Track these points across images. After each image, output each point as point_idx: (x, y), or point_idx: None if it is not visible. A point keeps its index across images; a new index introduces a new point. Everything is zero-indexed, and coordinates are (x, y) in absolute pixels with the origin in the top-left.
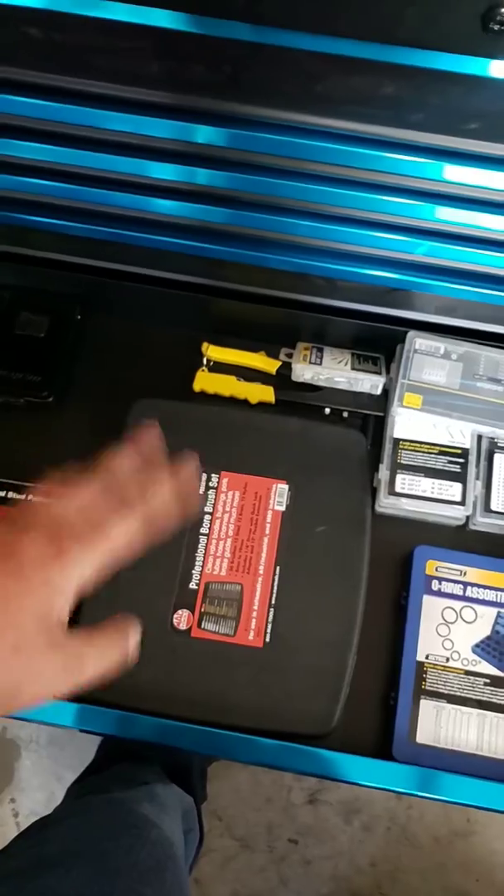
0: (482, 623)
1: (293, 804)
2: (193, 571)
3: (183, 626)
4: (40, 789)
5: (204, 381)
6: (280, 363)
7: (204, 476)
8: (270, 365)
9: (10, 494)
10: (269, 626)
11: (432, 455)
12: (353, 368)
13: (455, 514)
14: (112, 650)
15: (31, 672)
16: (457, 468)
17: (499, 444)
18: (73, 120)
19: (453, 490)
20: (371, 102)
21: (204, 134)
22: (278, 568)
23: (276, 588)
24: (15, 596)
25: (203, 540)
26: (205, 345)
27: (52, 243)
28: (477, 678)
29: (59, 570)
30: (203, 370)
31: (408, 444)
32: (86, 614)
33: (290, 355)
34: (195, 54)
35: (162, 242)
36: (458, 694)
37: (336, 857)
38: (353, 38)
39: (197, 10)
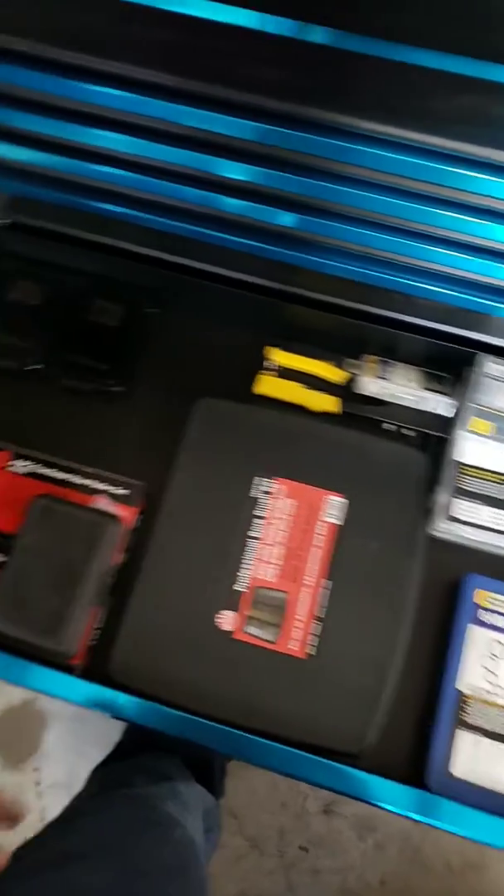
0: None
1: (307, 812)
2: (240, 574)
3: (226, 627)
4: (63, 762)
5: (266, 385)
6: (351, 375)
7: (259, 481)
8: (338, 375)
9: (72, 478)
10: (313, 638)
11: (495, 483)
12: (420, 386)
13: None
14: None
15: None
16: None
17: None
18: (159, 115)
19: None
20: (472, 121)
21: (292, 140)
22: (326, 580)
23: (322, 600)
24: None
25: (254, 544)
26: (269, 348)
27: (131, 234)
28: None
29: None
30: (265, 373)
31: (470, 469)
32: (137, 597)
33: (354, 366)
34: (300, 61)
35: (235, 243)
36: (500, 731)
37: (346, 871)
38: (471, 56)
39: (308, 19)
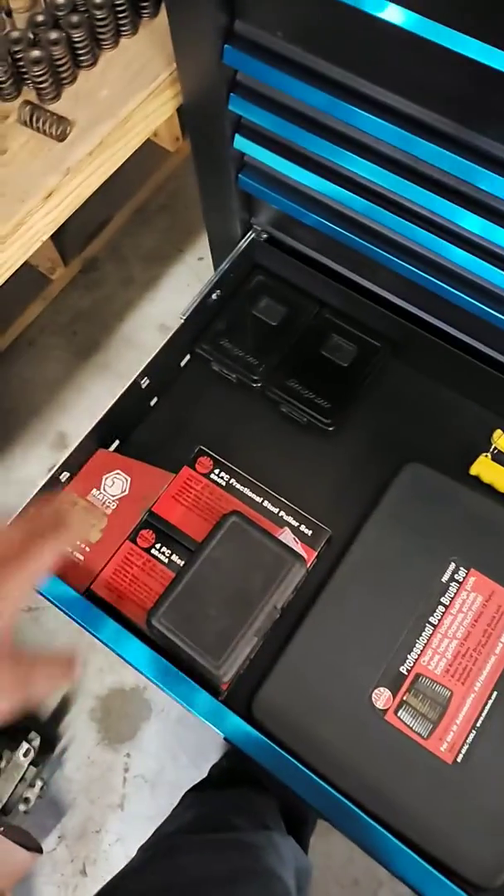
0: None
1: None
2: (409, 655)
3: (379, 705)
4: (154, 758)
5: (483, 468)
6: None
7: (451, 566)
8: None
9: (264, 502)
10: (466, 747)
11: None
12: None
13: None
14: (59, 676)
15: None
16: None
17: None
18: (444, 166)
19: None
20: None
21: None
22: (496, 693)
23: (486, 711)
24: None
25: (429, 629)
26: (498, 432)
27: (382, 278)
28: None
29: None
30: (486, 456)
31: None
32: (297, 642)
33: None
34: None
35: (488, 314)
36: None
37: None
38: None
39: None
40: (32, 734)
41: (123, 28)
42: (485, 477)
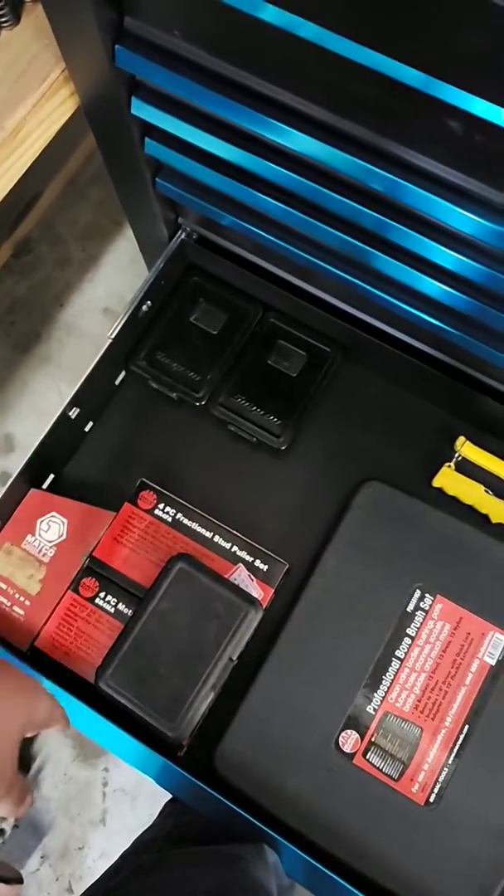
0: None
1: None
2: (375, 694)
3: (347, 749)
4: (133, 770)
5: (446, 479)
6: None
7: (417, 593)
8: None
9: (215, 538)
10: (437, 787)
11: None
12: None
13: None
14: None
15: None
16: None
17: None
18: (367, 180)
19: None
20: None
21: None
22: (467, 727)
23: (457, 748)
24: None
25: (395, 664)
26: (461, 439)
27: (320, 281)
28: None
29: None
30: (449, 466)
31: None
32: (257, 689)
33: None
34: None
35: (429, 324)
36: None
37: None
38: None
39: None
40: None
41: (2, 18)
42: (448, 489)
